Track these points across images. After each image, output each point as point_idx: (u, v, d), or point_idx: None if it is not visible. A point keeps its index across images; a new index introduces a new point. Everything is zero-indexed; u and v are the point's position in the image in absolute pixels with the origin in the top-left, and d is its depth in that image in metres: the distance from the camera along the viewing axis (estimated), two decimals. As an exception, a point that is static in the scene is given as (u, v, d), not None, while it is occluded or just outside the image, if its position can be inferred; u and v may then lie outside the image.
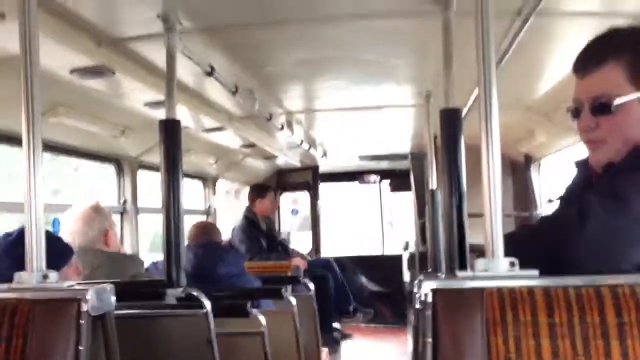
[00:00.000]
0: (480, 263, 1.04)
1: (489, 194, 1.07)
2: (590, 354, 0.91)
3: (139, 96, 2.78)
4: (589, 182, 1.34)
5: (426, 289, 1.01)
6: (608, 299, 0.92)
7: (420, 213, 5.36)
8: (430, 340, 0.97)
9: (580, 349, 0.91)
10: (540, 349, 0.91)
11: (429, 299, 1.00)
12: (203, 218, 5.18)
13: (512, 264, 1.02)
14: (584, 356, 0.90)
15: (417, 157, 6.12)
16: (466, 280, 1.01)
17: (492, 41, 1.13)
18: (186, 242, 3.35)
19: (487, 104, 1.10)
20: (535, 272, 1.00)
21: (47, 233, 1.84)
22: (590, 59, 1.29)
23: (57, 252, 1.92)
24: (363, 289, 7.00)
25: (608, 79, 1.25)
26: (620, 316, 0.91)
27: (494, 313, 0.94)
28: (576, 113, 1.32)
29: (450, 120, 1.78)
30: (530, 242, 1.17)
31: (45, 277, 1.11)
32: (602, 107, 1.25)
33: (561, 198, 1.42)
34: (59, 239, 2.06)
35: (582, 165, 1.40)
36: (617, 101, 1.23)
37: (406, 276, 6.08)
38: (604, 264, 1.06)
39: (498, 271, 1.02)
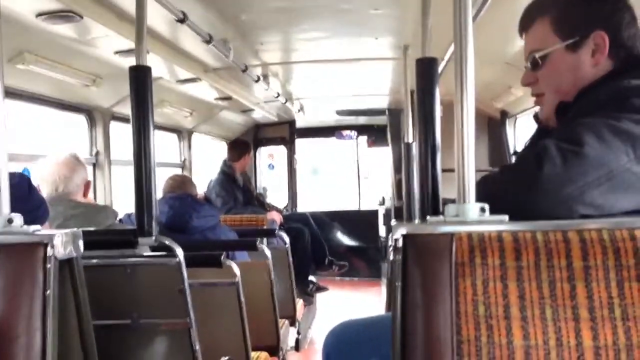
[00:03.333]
0: (451, 208, 1.04)
1: (461, 140, 1.07)
2: (556, 296, 0.92)
3: (109, 43, 2.70)
4: (545, 132, 1.39)
5: (398, 234, 1.01)
6: (575, 243, 0.93)
7: (397, 168, 5.39)
8: (399, 284, 0.97)
9: (546, 292, 0.92)
10: (507, 292, 0.92)
11: (400, 244, 1.00)
12: (178, 171, 5.14)
13: (482, 210, 1.03)
14: (549, 298, 0.92)
15: (395, 113, 6.11)
16: (437, 225, 1.01)
17: None
18: (160, 194, 3.34)
19: (463, 56, 1.09)
20: (505, 218, 1.01)
21: (34, 189, 1.80)
22: (524, 20, 1.42)
23: (42, 210, 1.87)
24: (339, 243, 7.08)
25: (537, 35, 1.38)
26: (586, 260, 0.92)
27: (463, 257, 0.95)
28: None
29: (427, 70, 1.76)
30: (492, 188, 1.19)
31: (10, 221, 1.09)
32: (535, 62, 1.38)
33: (522, 149, 1.48)
34: (43, 200, 1.97)
35: (539, 118, 1.49)
36: (541, 53, 1.35)
37: (382, 231, 6.16)
38: (560, 207, 1.08)
39: (468, 217, 1.02)
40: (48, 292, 1.06)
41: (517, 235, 0.96)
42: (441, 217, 1.04)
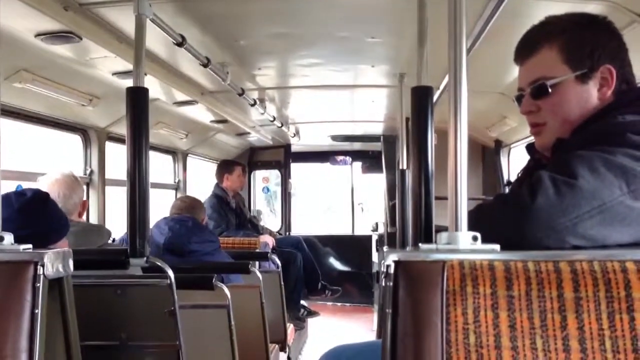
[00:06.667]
0: (443, 237, 1.04)
1: (454, 169, 1.07)
2: (547, 327, 0.92)
3: (107, 65, 2.72)
4: (539, 164, 1.38)
5: (389, 261, 1.01)
6: (566, 273, 0.93)
7: (391, 195, 5.39)
8: (390, 311, 0.97)
9: (537, 322, 0.92)
10: (498, 321, 0.92)
11: (392, 270, 1.00)
12: (172, 192, 5.14)
13: (474, 238, 1.03)
14: (540, 329, 0.92)
15: (389, 139, 6.14)
16: (428, 253, 1.01)
17: (464, 23, 1.12)
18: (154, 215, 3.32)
19: (457, 86, 1.10)
20: (497, 247, 1.01)
21: (50, 205, 1.79)
22: (526, 46, 1.37)
23: (59, 226, 1.86)
24: (331, 268, 7.05)
25: (543, 62, 1.33)
26: (577, 291, 0.92)
27: (454, 285, 0.94)
28: (520, 100, 1.41)
29: (422, 98, 1.78)
30: (485, 217, 1.19)
31: (0, 239, 1.08)
32: (540, 90, 1.33)
33: (515, 180, 1.48)
34: (61, 216, 1.95)
35: (533, 148, 1.47)
36: (552, 81, 1.31)
37: (375, 257, 6.14)
38: (552, 238, 1.08)
39: (460, 245, 1.02)
40: (36, 311, 1.05)
41: (508, 264, 0.96)
42: (433, 245, 1.04)
